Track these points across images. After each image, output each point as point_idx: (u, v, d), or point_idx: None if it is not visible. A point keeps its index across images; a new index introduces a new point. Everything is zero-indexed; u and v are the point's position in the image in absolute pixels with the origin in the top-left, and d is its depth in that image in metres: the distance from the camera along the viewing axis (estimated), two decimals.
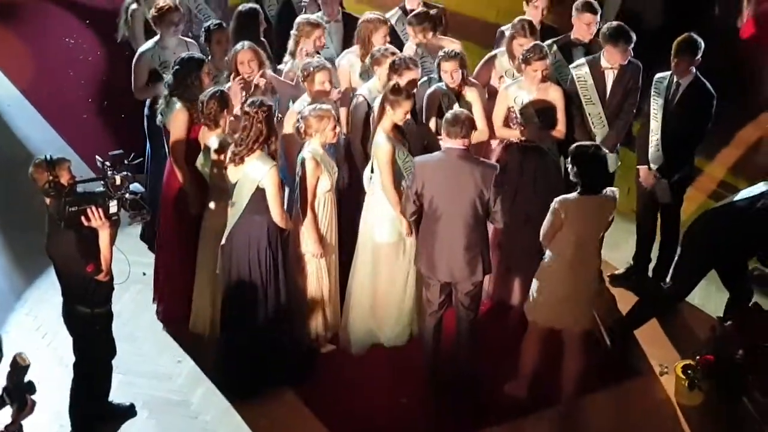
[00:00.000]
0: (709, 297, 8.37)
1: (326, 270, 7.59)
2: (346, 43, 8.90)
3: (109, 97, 10.77)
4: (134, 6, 9.23)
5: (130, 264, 6.93)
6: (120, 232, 6.75)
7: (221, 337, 7.54)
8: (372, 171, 7.55)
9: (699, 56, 7.99)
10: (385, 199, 7.50)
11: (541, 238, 7.11)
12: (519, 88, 8.03)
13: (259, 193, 7.09)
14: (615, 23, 8.29)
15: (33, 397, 5.73)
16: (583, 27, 8.48)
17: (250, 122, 7.03)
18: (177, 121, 7.63)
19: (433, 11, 8.68)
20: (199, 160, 7.55)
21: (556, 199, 7.01)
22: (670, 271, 8.21)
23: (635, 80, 8.25)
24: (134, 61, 8.64)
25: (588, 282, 7.12)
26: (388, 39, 8.36)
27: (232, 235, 7.23)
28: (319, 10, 9.13)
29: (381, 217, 7.59)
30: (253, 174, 7.07)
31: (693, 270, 7.79)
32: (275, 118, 7.31)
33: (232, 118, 7.46)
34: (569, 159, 7.04)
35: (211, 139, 7.43)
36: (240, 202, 7.16)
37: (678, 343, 8.02)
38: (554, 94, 7.98)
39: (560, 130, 7.98)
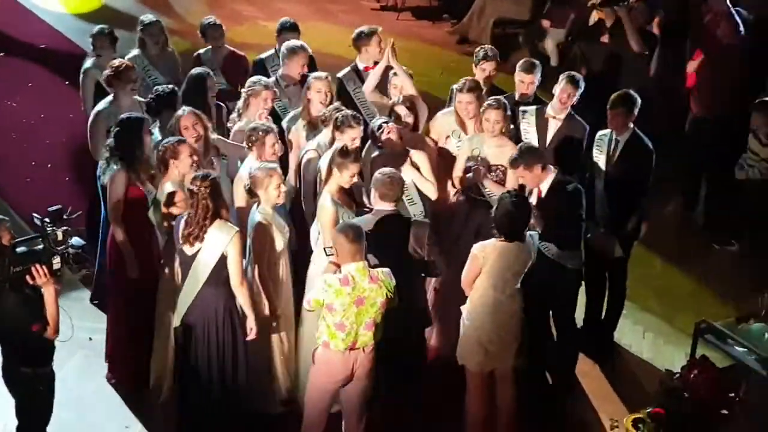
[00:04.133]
0: (657, 350, 8.42)
1: (284, 330, 7.51)
2: None
3: (54, 158, 10.70)
4: (88, 64, 9.20)
5: (76, 329, 6.76)
6: (66, 297, 6.65)
7: (177, 401, 7.36)
8: (319, 232, 7.51)
9: (635, 112, 8.13)
10: (322, 260, 7.42)
11: (462, 284, 7.25)
12: (480, 141, 8.11)
13: (221, 262, 6.96)
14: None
15: None
16: (521, 86, 8.61)
17: (196, 200, 6.93)
18: (115, 183, 7.58)
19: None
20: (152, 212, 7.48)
21: (475, 245, 7.18)
22: None
23: (579, 138, 8.27)
24: (90, 121, 8.55)
25: (508, 324, 7.20)
26: (328, 93, 8.39)
27: (190, 311, 7.05)
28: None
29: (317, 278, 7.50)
30: (216, 244, 6.93)
31: None
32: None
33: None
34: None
35: (165, 185, 7.39)
36: (198, 277, 6.99)
37: (628, 397, 8.04)
38: (510, 152, 7.96)
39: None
